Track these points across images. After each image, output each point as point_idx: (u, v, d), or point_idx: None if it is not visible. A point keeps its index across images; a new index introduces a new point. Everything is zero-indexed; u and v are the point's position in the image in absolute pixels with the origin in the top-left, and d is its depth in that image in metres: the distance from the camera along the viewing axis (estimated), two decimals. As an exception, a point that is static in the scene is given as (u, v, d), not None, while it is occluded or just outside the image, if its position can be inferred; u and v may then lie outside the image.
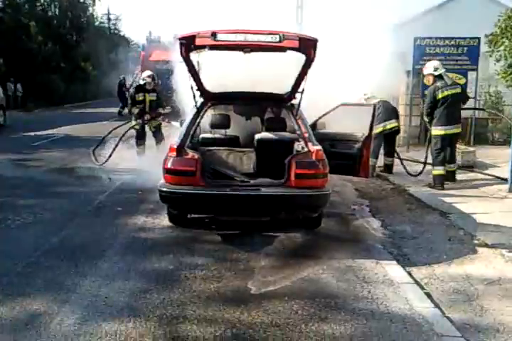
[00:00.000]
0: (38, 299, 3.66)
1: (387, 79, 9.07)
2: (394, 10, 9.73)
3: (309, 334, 3.25)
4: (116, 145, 8.41)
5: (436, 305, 3.76)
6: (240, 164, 5.84)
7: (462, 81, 10.78)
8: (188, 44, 4.54)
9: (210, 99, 5.59)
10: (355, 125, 6.70)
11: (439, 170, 7.39)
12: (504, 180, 7.36)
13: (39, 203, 6.30)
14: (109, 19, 34.91)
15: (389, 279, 4.20)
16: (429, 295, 3.94)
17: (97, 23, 34.20)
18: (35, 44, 25.07)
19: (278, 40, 4.38)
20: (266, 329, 3.30)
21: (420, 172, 8.01)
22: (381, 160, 8.60)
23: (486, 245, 4.98)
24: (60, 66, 27.30)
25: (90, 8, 32.67)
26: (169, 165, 4.81)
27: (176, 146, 4.86)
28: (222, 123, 6.10)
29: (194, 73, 5.03)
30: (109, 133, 9.80)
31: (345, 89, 7.86)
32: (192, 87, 5.21)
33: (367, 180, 7.75)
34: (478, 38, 11.28)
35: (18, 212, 5.89)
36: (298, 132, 5.31)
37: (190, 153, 4.88)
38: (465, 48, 10.71)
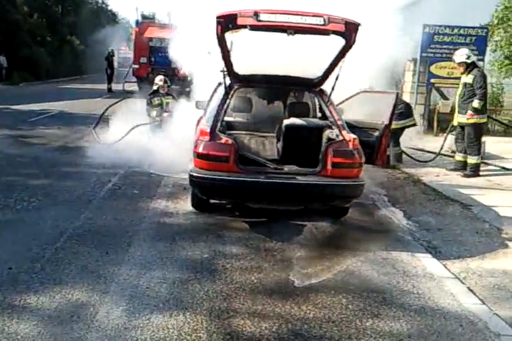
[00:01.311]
0: (77, 288, 3.49)
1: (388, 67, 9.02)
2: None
3: (366, 331, 3.17)
4: (130, 130, 8.13)
5: (482, 302, 3.72)
6: (262, 149, 5.69)
7: (469, 71, 10.76)
8: (226, 23, 4.31)
9: (238, 81, 5.37)
10: (375, 113, 6.60)
11: (477, 160, 7.39)
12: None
13: (51, 184, 6.06)
14: (96, -8, 33.80)
15: (429, 273, 4.14)
16: (471, 291, 3.90)
17: (83, -4, 33.11)
18: (21, 15, 24.12)
19: (323, 22, 4.20)
20: (321, 325, 3.20)
21: (432, 159, 7.99)
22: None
23: (516, 239, 4.97)
24: (46, 39, 26.37)
25: (77, -20, 31.48)
26: (201, 149, 4.62)
27: (208, 130, 4.66)
28: (245, 106, 5.92)
29: (226, 54, 4.80)
30: (106, 110, 9.53)
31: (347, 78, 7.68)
32: (222, 69, 4.98)
33: (378, 169, 7.68)
34: (487, 28, 11.21)
35: (32, 193, 5.64)
36: (331, 119, 5.16)
37: (224, 138, 4.69)
38: (473, 38, 10.63)
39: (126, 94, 16.55)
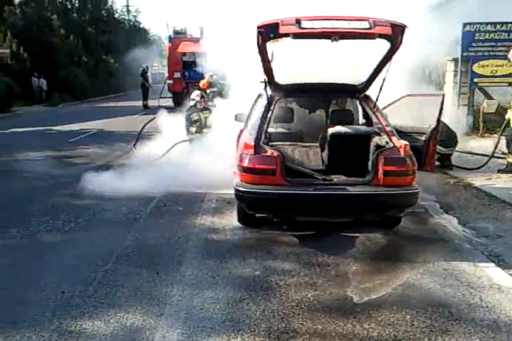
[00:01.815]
0: (131, 311, 3.42)
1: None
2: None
3: (437, 351, 2.97)
4: (172, 147, 8.16)
5: (559, 315, 3.45)
6: (306, 160, 5.54)
7: (513, 67, 10.36)
8: (268, 32, 4.22)
9: (279, 91, 5.27)
10: (421, 116, 6.37)
11: None
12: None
13: (96, 203, 6.06)
14: (128, 11, 34.59)
15: (496, 284, 3.89)
16: (545, 303, 3.63)
17: (116, 15, 33.90)
18: (58, 38, 24.87)
19: (368, 26, 4.05)
20: (388, 344, 3.02)
21: (483, 165, 7.65)
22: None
23: None
24: (82, 60, 27.08)
25: (109, 0, 32.34)
26: (247, 163, 4.52)
27: (252, 143, 4.56)
28: (286, 117, 5.80)
29: (267, 64, 4.71)
30: (143, 127, 9.63)
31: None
32: (264, 79, 4.90)
33: (427, 174, 7.39)
34: (531, 22, 10.76)
35: (79, 213, 5.67)
36: (378, 126, 4.98)
37: (269, 150, 4.58)
38: (517, 33, 10.21)
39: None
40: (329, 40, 4.24)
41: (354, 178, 4.63)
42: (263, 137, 4.75)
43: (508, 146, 7.49)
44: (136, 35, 35.09)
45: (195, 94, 8.88)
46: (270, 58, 4.73)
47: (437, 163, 7.82)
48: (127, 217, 5.58)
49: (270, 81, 5.03)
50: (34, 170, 7.77)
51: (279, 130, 5.95)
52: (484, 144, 9.63)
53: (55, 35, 24.79)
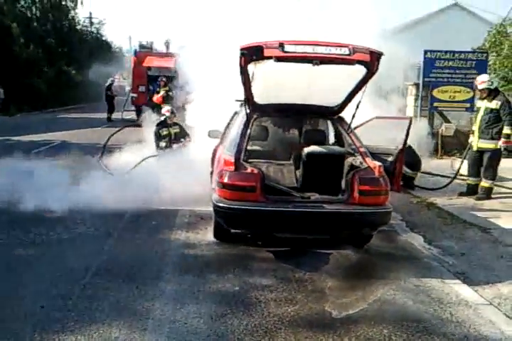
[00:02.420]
0: (114, 326, 3.41)
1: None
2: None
3: (415, 363, 3.11)
4: (141, 162, 8.14)
5: (523, 329, 3.67)
6: (281, 177, 5.68)
7: (470, 94, 10.96)
8: (250, 55, 4.37)
9: (256, 110, 5.41)
10: (388, 138, 6.65)
11: (490, 184, 7.51)
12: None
13: (67, 217, 5.96)
14: (91, 23, 34.20)
15: (463, 300, 4.11)
16: (510, 318, 3.86)
17: (79, 27, 33.48)
18: (17, 46, 24.31)
19: (348, 53, 4.26)
20: (369, 358, 3.14)
21: (445, 186, 8.01)
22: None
23: (542, 263, 4.94)
24: (43, 70, 26.53)
25: (72, 11, 31.90)
26: (227, 179, 4.60)
27: (233, 160, 4.66)
28: (261, 135, 5.93)
29: (247, 84, 4.85)
30: (108, 140, 9.56)
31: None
32: (244, 99, 5.03)
33: (391, 194, 7.67)
34: (487, 52, 11.46)
35: (49, 226, 5.56)
36: (353, 147, 5.19)
37: (249, 167, 4.69)
38: (473, 62, 10.82)
39: (126, 123, 16.68)
40: (310, 64, 4.42)
41: (329, 196, 4.79)
42: (243, 154, 4.86)
43: (468, 169, 7.88)
44: (99, 47, 34.71)
45: (166, 110, 8.93)
46: (251, 78, 4.88)
47: (401, 183, 8.14)
48: (100, 231, 5.53)
49: (249, 100, 5.17)
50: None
51: (254, 147, 6.07)
52: (442, 165, 10.11)
53: (15, 43, 24.25)
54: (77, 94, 29.28)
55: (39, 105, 24.05)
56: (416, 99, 11.33)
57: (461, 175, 9.23)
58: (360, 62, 4.43)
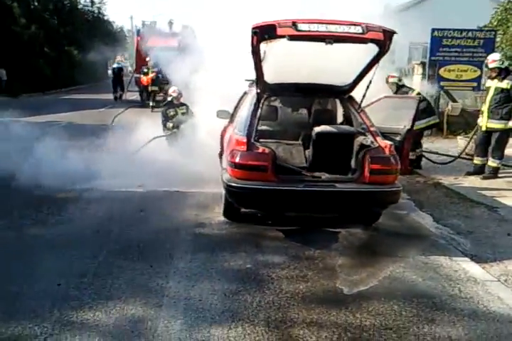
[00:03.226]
0: (131, 303, 3.49)
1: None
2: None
3: (426, 338, 3.19)
4: (148, 142, 8.16)
5: (531, 304, 3.74)
6: (290, 157, 5.69)
7: (477, 73, 10.88)
8: (263, 34, 4.34)
9: (267, 90, 5.40)
10: (397, 118, 6.64)
11: (498, 164, 7.53)
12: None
13: (78, 197, 6.02)
14: (92, 2, 33.81)
15: (472, 277, 4.17)
16: (517, 294, 3.93)
17: (80, 6, 33.09)
18: (19, 27, 24.10)
19: (361, 31, 4.23)
20: (380, 332, 3.22)
21: (451, 161, 8.02)
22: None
23: (549, 241, 4.99)
24: (44, 50, 26.34)
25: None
26: (238, 159, 4.63)
27: (245, 140, 4.67)
28: (271, 115, 5.93)
29: (259, 64, 4.83)
30: (113, 120, 9.50)
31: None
32: (255, 78, 5.02)
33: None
34: (495, 31, 11.32)
35: (61, 207, 5.63)
36: (363, 126, 5.19)
37: (261, 147, 4.71)
38: (481, 41, 10.69)
39: (131, 104, 16.67)
40: (323, 43, 4.40)
41: (339, 176, 4.82)
42: (254, 134, 4.87)
43: (476, 149, 7.87)
44: (100, 27, 34.36)
45: (172, 90, 8.90)
46: (262, 58, 4.86)
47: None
48: (112, 211, 5.58)
49: (260, 80, 5.15)
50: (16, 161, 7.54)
51: (263, 127, 6.07)
52: (448, 145, 10.11)
53: (16, 23, 24.03)
54: (79, 74, 29.11)
55: (41, 86, 23.93)
56: (422, 78, 11.23)
57: (468, 154, 9.29)
58: (372, 40, 4.40)
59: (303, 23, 4.23)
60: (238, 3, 8.48)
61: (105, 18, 36.10)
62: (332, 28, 4.23)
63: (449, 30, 10.69)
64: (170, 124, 8.58)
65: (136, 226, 5.10)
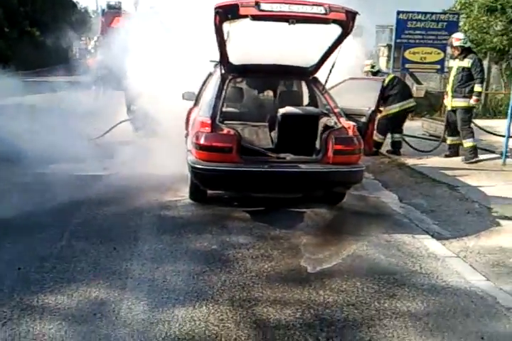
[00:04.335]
0: (93, 285, 3.45)
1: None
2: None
3: (386, 312, 3.26)
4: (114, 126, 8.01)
5: (486, 278, 3.87)
6: (256, 139, 5.69)
7: (441, 55, 11.03)
8: (225, 13, 4.28)
9: (232, 71, 5.34)
10: (362, 99, 6.69)
11: (472, 142, 7.50)
12: (490, 152, 7.63)
13: (41, 181, 5.87)
14: (53, -19, 32.48)
15: (432, 253, 4.28)
16: (474, 268, 4.05)
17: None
18: (-25, 6, 23.16)
19: (324, 11, 4.22)
20: (342, 308, 3.28)
21: (435, 148, 8.03)
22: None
23: (506, 217, 5.14)
24: (3, 30, 25.37)
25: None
26: (203, 141, 4.60)
27: (209, 121, 4.63)
28: (236, 96, 5.89)
29: (222, 44, 4.77)
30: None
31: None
32: (219, 59, 4.96)
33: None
34: (458, 14, 11.46)
35: (22, 190, 5.49)
36: (327, 107, 5.21)
37: (226, 129, 4.68)
38: (445, 23, 10.82)
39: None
40: (286, 23, 4.36)
41: (303, 156, 4.85)
42: (218, 116, 4.84)
43: (446, 129, 7.90)
44: (64, 7, 33.24)
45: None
46: (225, 38, 4.79)
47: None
48: (75, 195, 5.47)
49: (224, 61, 5.09)
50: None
51: (229, 109, 6.03)
52: (413, 127, 10.24)
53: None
54: (42, 56, 28.19)
55: (1, 67, 23.07)
56: (388, 61, 11.33)
57: (432, 135, 9.47)
58: (335, 21, 4.39)
59: (266, 2, 4.18)
60: None
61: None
62: (295, 8, 4.20)
63: (414, 12, 10.78)
64: (134, 107, 8.44)
65: (100, 209, 5.03)
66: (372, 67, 8.52)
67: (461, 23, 15.37)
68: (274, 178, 4.60)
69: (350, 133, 4.78)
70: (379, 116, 7.62)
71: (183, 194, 5.45)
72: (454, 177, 6.73)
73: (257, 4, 4.15)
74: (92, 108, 9.91)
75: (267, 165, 4.64)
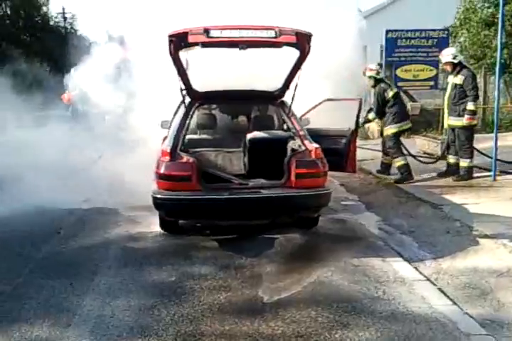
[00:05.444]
0: (37, 325, 3.36)
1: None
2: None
3: (336, 343, 3.11)
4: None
5: (454, 302, 3.68)
6: (229, 165, 5.65)
7: (434, 72, 10.95)
8: (178, 41, 4.30)
9: (198, 98, 5.35)
10: (341, 120, 6.63)
11: (469, 163, 7.16)
12: (486, 170, 7.35)
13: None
14: (64, 18, 33.69)
15: (400, 277, 4.10)
16: (443, 292, 3.87)
17: (52, 23, 32.99)
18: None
19: (274, 35, 4.21)
20: (290, 340, 3.13)
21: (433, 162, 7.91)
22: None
23: (486, 236, 4.94)
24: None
25: (44, 7, 31.44)
26: (163, 170, 4.56)
27: (169, 150, 4.61)
28: (209, 123, 5.88)
29: (182, 72, 4.79)
30: None
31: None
32: (180, 87, 4.96)
33: (351, 175, 7.63)
34: (448, 30, 11.43)
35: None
36: (293, 130, 5.15)
37: (185, 157, 4.65)
38: (435, 40, 10.79)
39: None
40: (237, 49, 4.36)
41: (267, 181, 4.77)
42: (180, 144, 4.81)
43: (446, 148, 7.59)
44: (73, 42, 34.24)
45: (122, 102, 8.84)
46: (185, 66, 4.81)
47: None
48: (43, 225, 5.46)
49: (187, 88, 5.10)
50: None
51: (203, 136, 6.02)
52: (410, 145, 10.05)
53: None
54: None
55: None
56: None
57: (425, 152, 9.29)
58: (288, 44, 4.37)
59: (215, 29, 4.19)
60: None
61: (78, 33, 36.04)
62: (244, 33, 4.19)
63: (403, 31, 10.78)
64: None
65: (68, 243, 5.00)
66: (378, 73, 7.78)
67: (461, 39, 15.40)
68: (234, 205, 4.52)
69: (313, 156, 4.69)
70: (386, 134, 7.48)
71: (155, 225, 5.39)
72: (440, 195, 6.55)
73: (206, 31, 4.15)
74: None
75: (227, 192, 4.56)
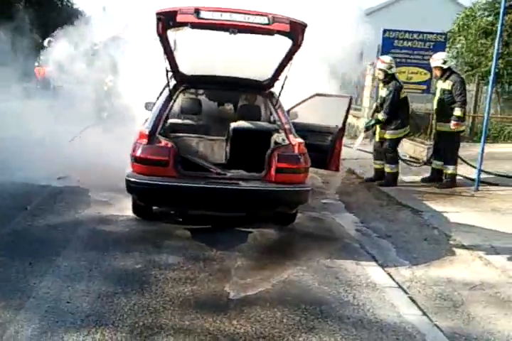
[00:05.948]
0: (-12, 305, 3.19)
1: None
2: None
3: (299, 347, 2.99)
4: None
5: (424, 312, 3.59)
6: (210, 153, 5.48)
7: (427, 76, 10.83)
8: (167, 20, 4.10)
9: (183, 81, 5.15)
10: (328, 116, 6.49)
11: (452, 170, 7.05)
12: (470, 180, 7.29)
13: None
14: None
15: (372, 282, 3.99)
16: (413, 301, 3.77)
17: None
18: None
19: (267, 22, 4.03)
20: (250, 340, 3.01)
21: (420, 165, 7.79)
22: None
23: (463, 246, 4.85)
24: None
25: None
26: (139, 153, 4.38)
27: (147, 132, 4.42)
28: (193, 108, 5.69)
29: (169, 53, 4.58)
30: None
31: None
32: (166, 68, 4.76)
33: (334, 174, 7.51)
34: (445, 34, 11.31)
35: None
36: (278, 123, 5.00)
37: (163, 141, 4.46)
38: (432, 44, 10.63)
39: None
40: (227, 33, 4.18)
41: (247, 173, 4.61)
42: (160, 127, 4.62)
43: (433, 153, 7.51)
44: (69, 15, 33.45)
45: (109, 79, 8.60)
46: (173, 47, 4.61)
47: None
48: (14, 202, 5.25)
49: (174, 71, 4.91)
50: None
51: (186, 121, 5.83)
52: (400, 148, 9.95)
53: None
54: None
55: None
56: (373, 79, 11.14)
57: (412, 157, 9.21)
58: (281, 32, 4.20)
59: (206, 10, 3.99)
60: None
61: (74, 6, 35.17)
62: (237, 17, 4.01)
63: (401, 31, 10.62)
64: (104, 114, 8.29)
65: (35, 220, 4.80)
66: (390, 67, 7.07)
67: (458, 45, 15.35)
68: (209, 195, 4.36)
69: (296, 150, 4.54)
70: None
71: (128, 209, 5.21)
72: (421, 201, 6.47)
73: (197, 12, 3.96)
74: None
75: (204, 181, 4.40)
